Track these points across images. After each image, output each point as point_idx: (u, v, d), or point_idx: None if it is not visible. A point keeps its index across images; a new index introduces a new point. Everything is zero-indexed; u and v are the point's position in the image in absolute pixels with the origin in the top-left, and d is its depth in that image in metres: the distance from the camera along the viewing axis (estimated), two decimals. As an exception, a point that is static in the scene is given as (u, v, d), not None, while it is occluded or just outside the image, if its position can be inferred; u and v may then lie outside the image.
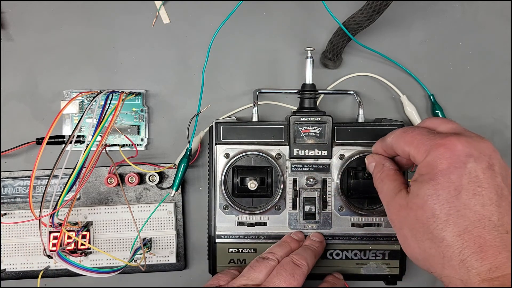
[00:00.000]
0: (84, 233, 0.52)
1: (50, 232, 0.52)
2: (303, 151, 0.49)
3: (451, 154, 0.36)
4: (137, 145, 0.55)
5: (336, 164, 0.50)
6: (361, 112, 0.52)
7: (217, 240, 0.50)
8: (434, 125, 0.41)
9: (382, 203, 0.42)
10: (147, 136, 0.55)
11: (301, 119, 0.49)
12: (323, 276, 0.50)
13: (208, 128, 0.53)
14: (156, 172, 0.53)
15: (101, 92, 0.51)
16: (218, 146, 0.50)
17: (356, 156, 0.49)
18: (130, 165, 0.51)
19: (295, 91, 0.53)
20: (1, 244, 0.52)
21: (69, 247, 0.51)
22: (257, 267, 0.45)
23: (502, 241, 0.34)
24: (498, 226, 0.34)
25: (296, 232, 0.49)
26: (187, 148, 0.51)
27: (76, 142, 0.53)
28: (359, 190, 0.49)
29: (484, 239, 0.34)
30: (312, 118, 0.49)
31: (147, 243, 0.52)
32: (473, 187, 0.35)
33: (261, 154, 0.49)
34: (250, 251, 0.50)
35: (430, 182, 0.36)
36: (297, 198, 0.50)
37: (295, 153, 0.49)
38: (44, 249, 0.49)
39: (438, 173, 0.36)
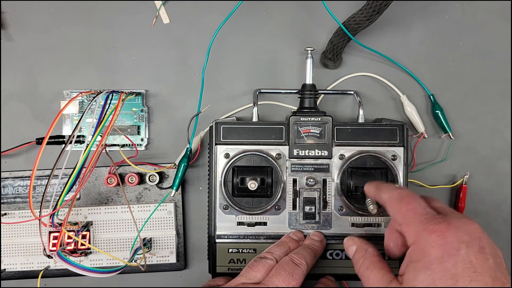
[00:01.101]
0: (84, 233, 0.52)
1: (50, 232, 0.52)
2: (303, 151, 0.49)
3: (443, 241, 0.36)
4: (137, 145, 0.55)
5: (336, 164, 0.50)
6: (361, 112, 0.52)
7: (217, 240, 0.50)
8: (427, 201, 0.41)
9: None
10: (147, 136, 0.55)
11: (301, 119, 0.49)
12: (323, 276, 0.50)
13: (208, 128, 0.53)
14: (156, 172, 0.53)
15: (101, 92, 0.51)
16: (218, 146, 0.50)
17: (356, 156, 0.49)
18: (130, 165, 0.51)
19: (295, 91, 0.53)
20: (1, 244, 0.52)
21: (69, 247, 0.51)
22: (255, 266, 0.45)
23: None
24: None
25: (295, 232, 0.49)
26: (187, 148, 0.51)
27: (76, 142, 0.53)
28: (359, 190, 0.49)
29: None
30: (312, 118, 0.49)
31: (147, 243, 0.52)
32: (469, 273, 0.34)
33: (261, 154, 0.49)
34: (250, 251, 0.50)
35: (426, 272, 0.35)
36: (297, 198, 0.50)
37: (295, 153, 0.49)
38: (44, 249, 0.49)
39: (432, 261, 0.35)
